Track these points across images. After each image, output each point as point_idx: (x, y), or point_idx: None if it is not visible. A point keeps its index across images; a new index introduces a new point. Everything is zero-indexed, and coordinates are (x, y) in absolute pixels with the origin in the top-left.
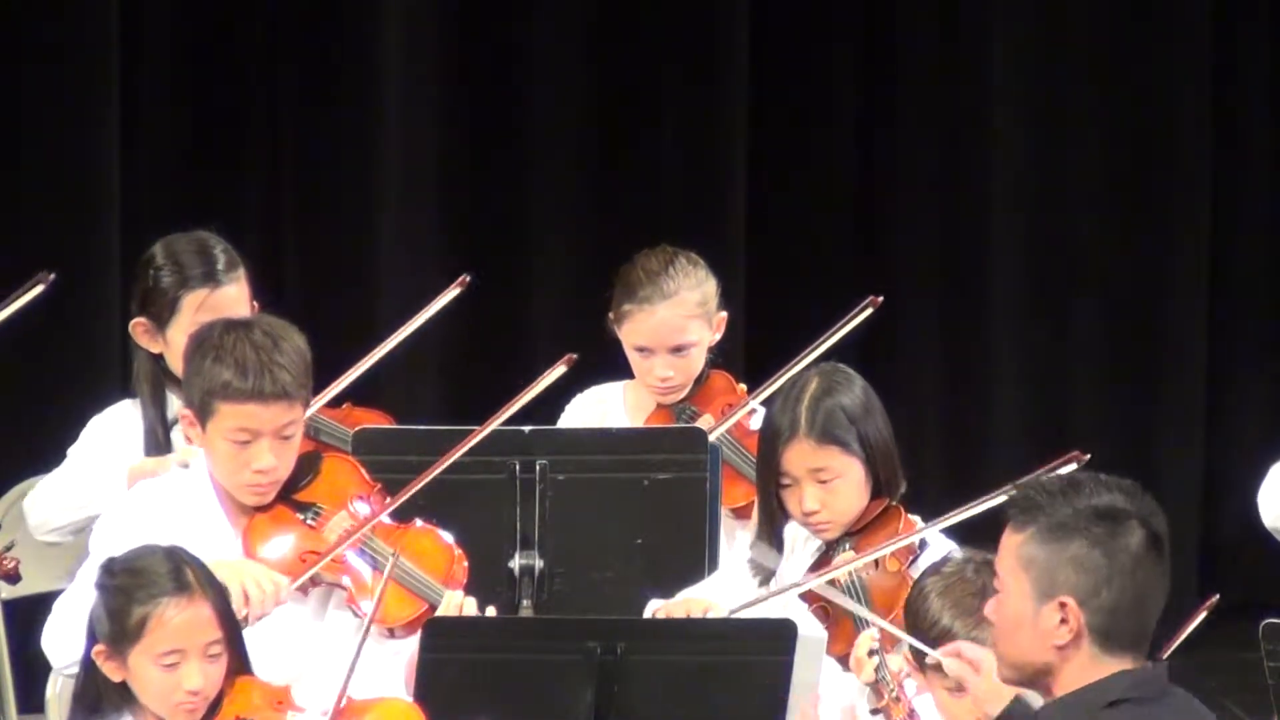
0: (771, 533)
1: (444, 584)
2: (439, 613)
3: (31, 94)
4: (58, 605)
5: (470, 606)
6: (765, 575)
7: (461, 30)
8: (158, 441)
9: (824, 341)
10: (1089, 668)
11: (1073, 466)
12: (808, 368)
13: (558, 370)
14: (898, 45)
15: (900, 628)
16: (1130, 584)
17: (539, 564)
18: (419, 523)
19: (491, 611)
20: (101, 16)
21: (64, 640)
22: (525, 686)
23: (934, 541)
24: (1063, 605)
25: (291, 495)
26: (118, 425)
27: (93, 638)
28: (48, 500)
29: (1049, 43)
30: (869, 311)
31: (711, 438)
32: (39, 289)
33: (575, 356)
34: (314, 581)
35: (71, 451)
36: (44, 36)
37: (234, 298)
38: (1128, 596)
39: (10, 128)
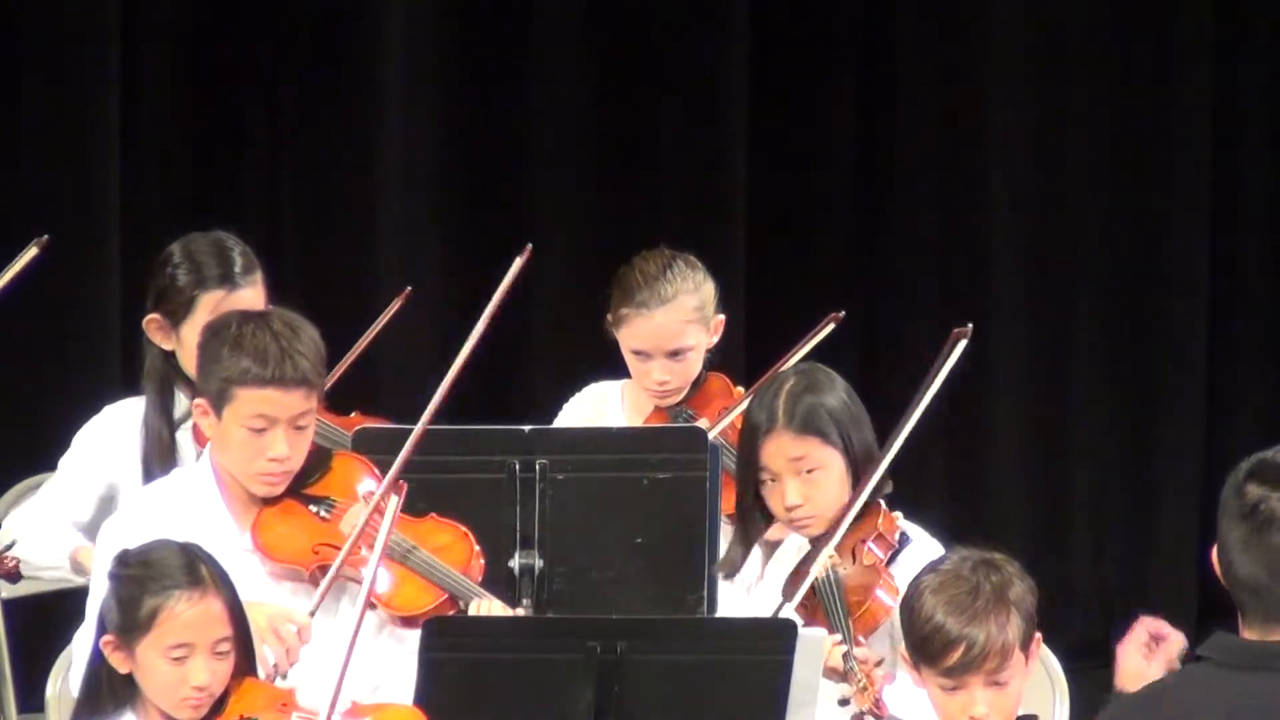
0: (746, 531)
1: (464, 574)
2: (470, 613)
3: (31, 93)
4: (76, 644)
5: (497, 608)
6: (730, 571)
7: (461, 30)
8: (161, 440)
9: (789, 359)
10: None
11: (830, 327)
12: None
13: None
14: (897, 46)
15: (872, 621)
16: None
17: (539, 563)
18: (434, 516)
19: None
20: (101, 16)
21: (20, 544)
22: (525, 686)
23: (920, 541)
24: (1214, 548)
25: (301, 490)
26: (114, 427)
27: (102, 628)
28: (25, 545)
29: (1049, 43)
30: (831, 328)
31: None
32: (33, 253)
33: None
34: (325, 574)
35: (62, 463)
36: (44, 36)
37: (250, 300)
38: (1240, 570)
39: (10, 127)
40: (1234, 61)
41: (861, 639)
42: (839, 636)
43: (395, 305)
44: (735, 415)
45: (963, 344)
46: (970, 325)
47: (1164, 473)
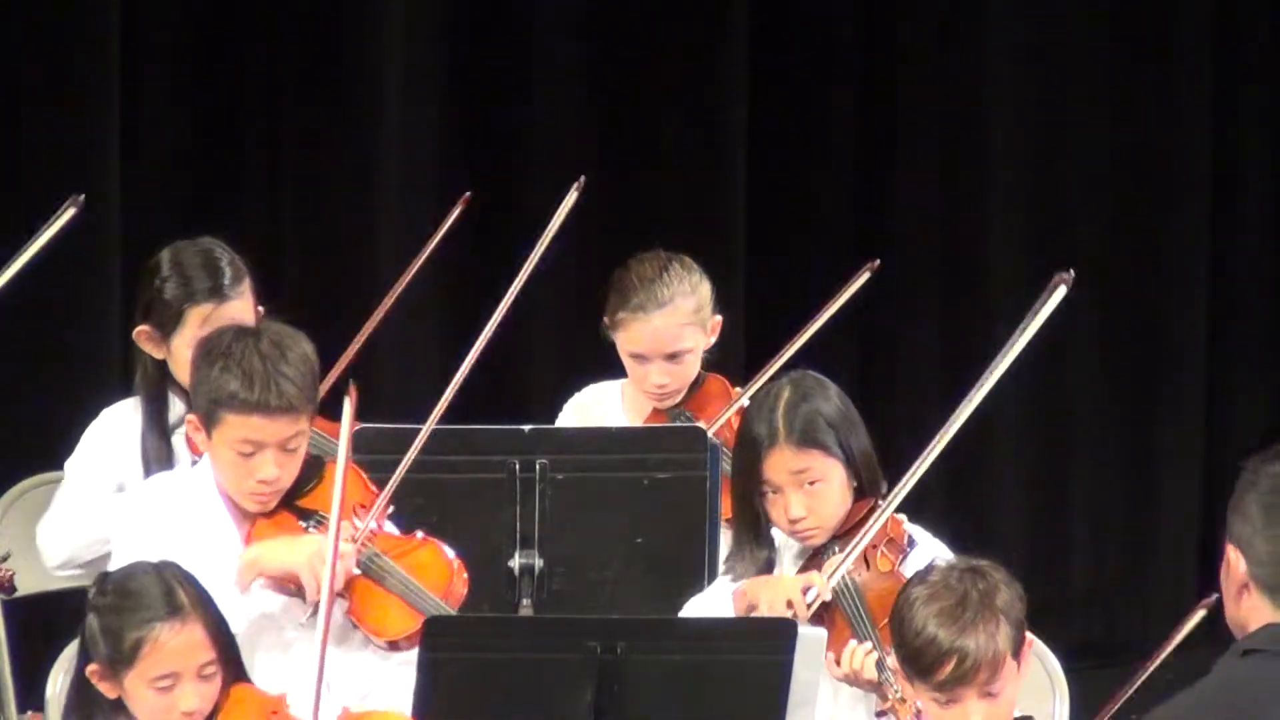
0: (754, 540)
1: (444, 599)
2: None
3: (31, 94)
4: (56, 506)
5: None
6: None
7: (461, 31)
8: (157, 447)
9: (826, 310)
10: (1267, 619)
11: (866, 275)
12: (776, 376)
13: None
14: (898, 45)
15: None
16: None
17: (538, 563)
18: (420, 535)
19: None
20: (102, 17)
21: (60, 538)
22: (525, 686)
23: (925, 544)
24: (1227, 550)
25: (295, 501)
26: (116, 428)
27: (85, 656)
28: (64, 539)
29: (1049, 42)
30: (866, 276)
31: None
32: (71, 213)
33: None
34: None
35: (68, 466)
36: (44, 36)
37: (239, 310)
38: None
39: (10, 127)
40: (1234, 62)
41: (889, 648)
42: (869, 645)
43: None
44: (731, 413)
45: (1063, 289)
46: (1072, 271)
47: (1164, 473)
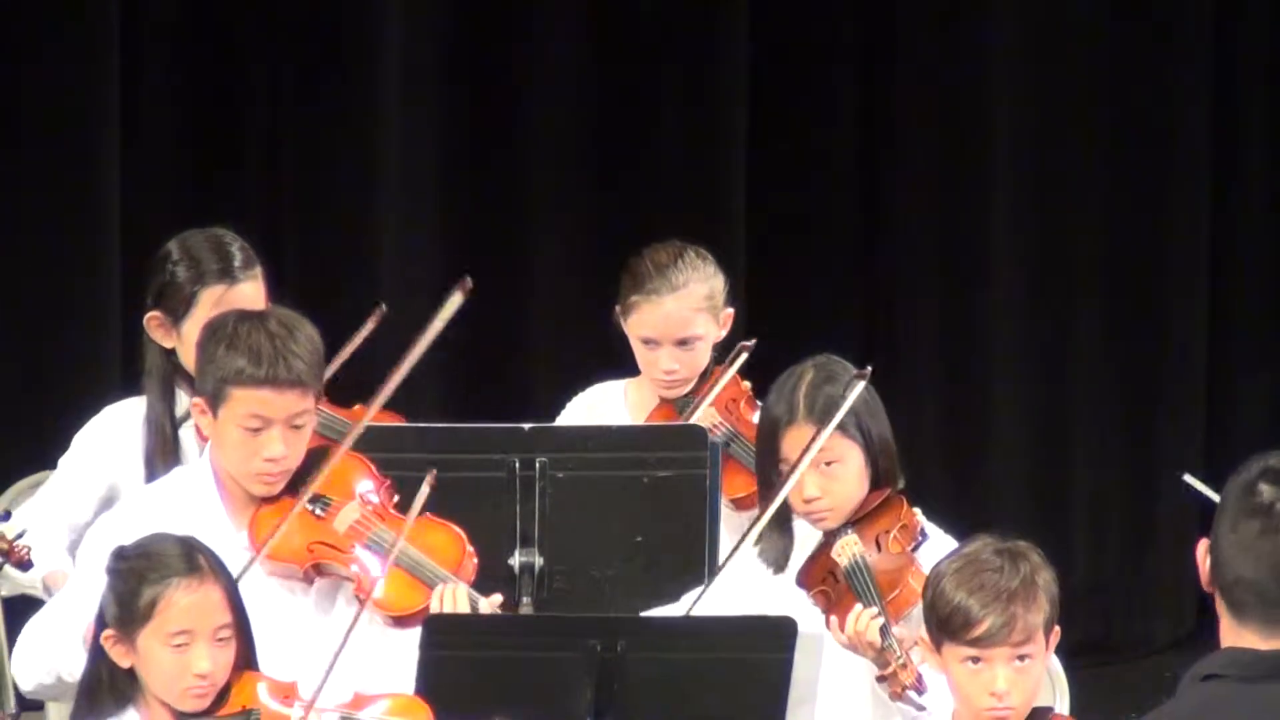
0: (778, 526)
1: (455, 574)
2: (431, 601)
3: (31, 94)
4: (31, 626)
5: (462, 595)
6: (780, 564)
7: (461, 30)
8: (164, 437)
9: (710, 391)
10: (1230, 634)
11: (744, 357)
12: (801, 360)
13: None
14: (898, 44)
15: (905, 606)
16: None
17: (539, 562)
18: (428, 515)
19: (494, 600)
20: (102, 15)
21: (33, 662)
22: (525, 684)
23: (937, 538)
24: (1200, 545)
25: (299, 488)
26: (115, 427)
27: (101, 623)
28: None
29: (1050, 40)
30: (744, 356)
31: (707, 424)
32: None
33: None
34: (320, 572)
35: (62, 463)
36: (44, 36)
37: (251, 295)
38: (1243, 569)
39: (10, 127)
40: (1234, 61)
41: (895, 620)
42: (875, 610)
43: (369, 326)
44: (721, 388)
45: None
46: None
47: (1164, 472)
